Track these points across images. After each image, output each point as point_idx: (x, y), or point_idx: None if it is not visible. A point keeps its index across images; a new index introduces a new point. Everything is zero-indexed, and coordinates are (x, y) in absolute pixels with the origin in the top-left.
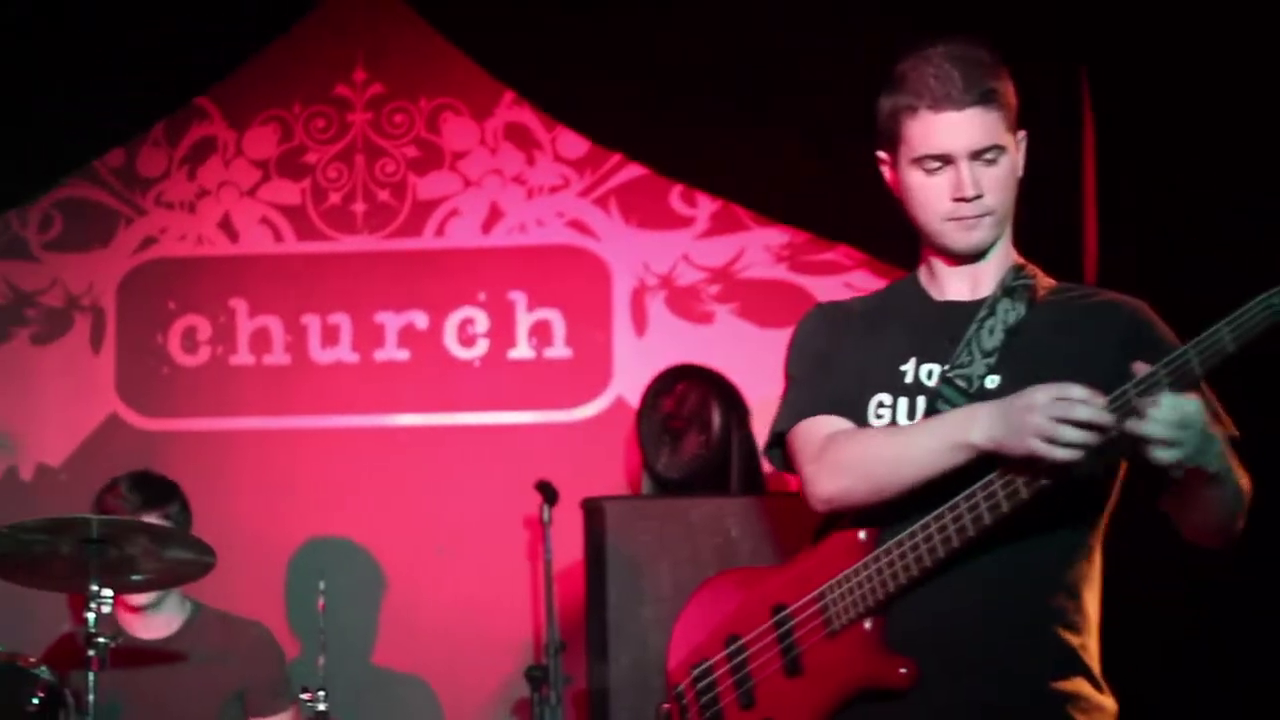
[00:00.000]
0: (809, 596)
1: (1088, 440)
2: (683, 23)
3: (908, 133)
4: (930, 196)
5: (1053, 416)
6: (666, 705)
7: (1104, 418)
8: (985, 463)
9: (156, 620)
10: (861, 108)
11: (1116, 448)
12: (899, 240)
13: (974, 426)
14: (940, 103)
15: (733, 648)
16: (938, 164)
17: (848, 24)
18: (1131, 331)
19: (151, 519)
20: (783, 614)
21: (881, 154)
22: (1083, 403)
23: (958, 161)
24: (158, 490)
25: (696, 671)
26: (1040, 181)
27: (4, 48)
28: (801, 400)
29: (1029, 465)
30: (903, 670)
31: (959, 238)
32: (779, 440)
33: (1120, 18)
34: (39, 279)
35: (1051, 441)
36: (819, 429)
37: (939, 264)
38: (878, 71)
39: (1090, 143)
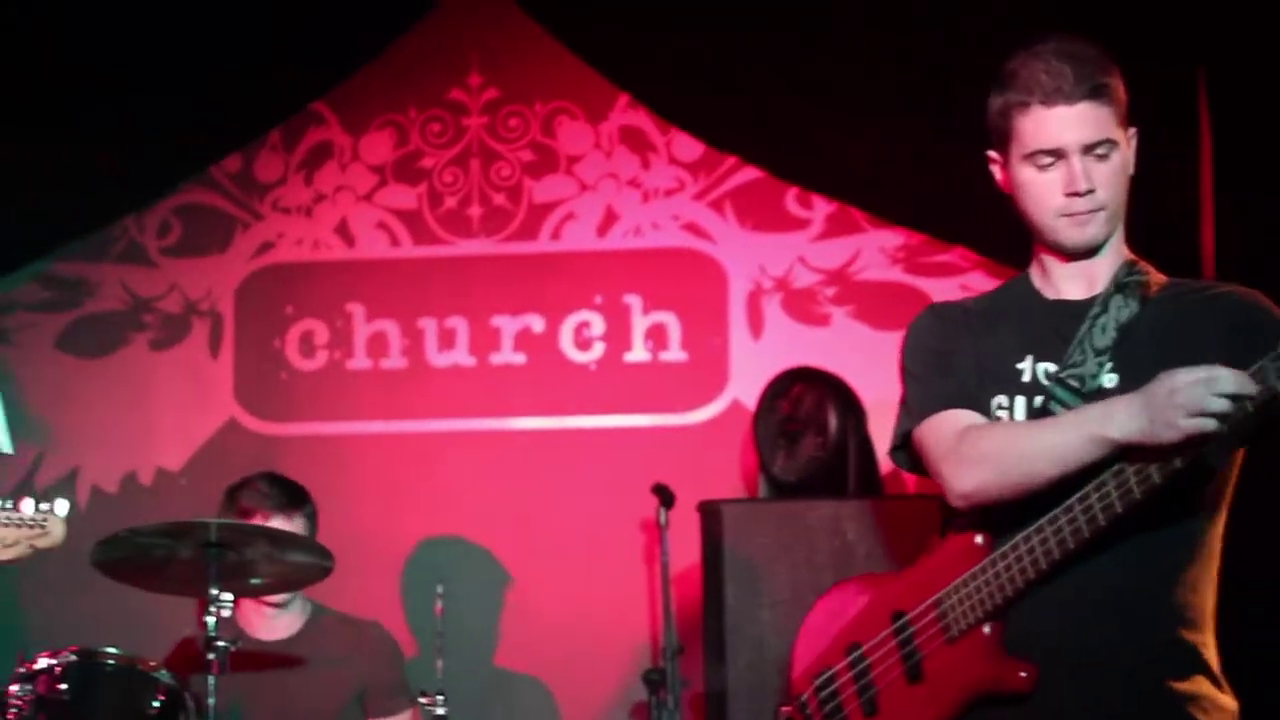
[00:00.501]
0: (927, 603)
1: (1234, 411)
2: (794, 25)
3: (1019, 129)
4: (1042, 192)
5: (1200, 392)
6: (786, 708)
7: (1249, 386)
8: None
9: (280, 621)
10: (977, 108)
11: (1249, 426)
12: (1015, 241)
13: (1112, 422)
14: (1051, 97)
15: (854, 655)
16: (1050, 159)
17: (962, 28)
18: (1241, 316)
19: (294, 517)
20: (902, 621)
21: (993, 154)
22: (1227, 374)
23: (1069, 156)
24: (297, 491)
25: (819, 680)
26: (1158, 183)
27: (123, 54)
28: (926, 397)
29: (1154, 455)
30: (1023, 674)
31: (1072, 234)
32: (904, 441)
33: (1238, 20)
34: (157, 285)
35: (1203, 415)
36: (951, 423)
37: (1051, 262)
38: (993, 72)
39: (1208, 144)
